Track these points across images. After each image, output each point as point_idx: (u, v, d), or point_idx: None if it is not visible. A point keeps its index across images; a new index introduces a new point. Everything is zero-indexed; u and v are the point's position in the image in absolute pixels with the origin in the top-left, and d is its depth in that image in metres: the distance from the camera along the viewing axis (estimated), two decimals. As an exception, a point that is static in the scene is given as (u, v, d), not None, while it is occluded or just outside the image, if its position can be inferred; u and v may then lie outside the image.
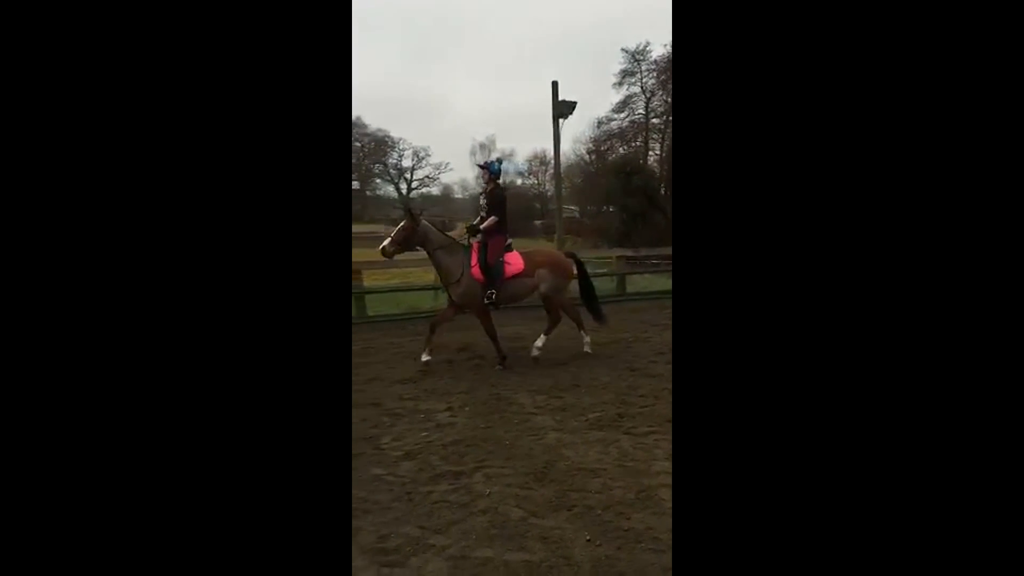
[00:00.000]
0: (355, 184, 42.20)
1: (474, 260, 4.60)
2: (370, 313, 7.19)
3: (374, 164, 43.69)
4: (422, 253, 4.72)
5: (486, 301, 4.60)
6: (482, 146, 40.74)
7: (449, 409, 3.65)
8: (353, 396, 3.97)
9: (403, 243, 4.53)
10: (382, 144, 43.25)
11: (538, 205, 37.82)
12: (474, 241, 4.73)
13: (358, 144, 43.71)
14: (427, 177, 43.65)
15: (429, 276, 8.48)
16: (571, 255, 5.25)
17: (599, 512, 2.27)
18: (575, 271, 5.10)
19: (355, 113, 42.90)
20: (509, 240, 4.88)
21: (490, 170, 4.80)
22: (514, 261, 4.69)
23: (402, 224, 4.54)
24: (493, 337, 4.75)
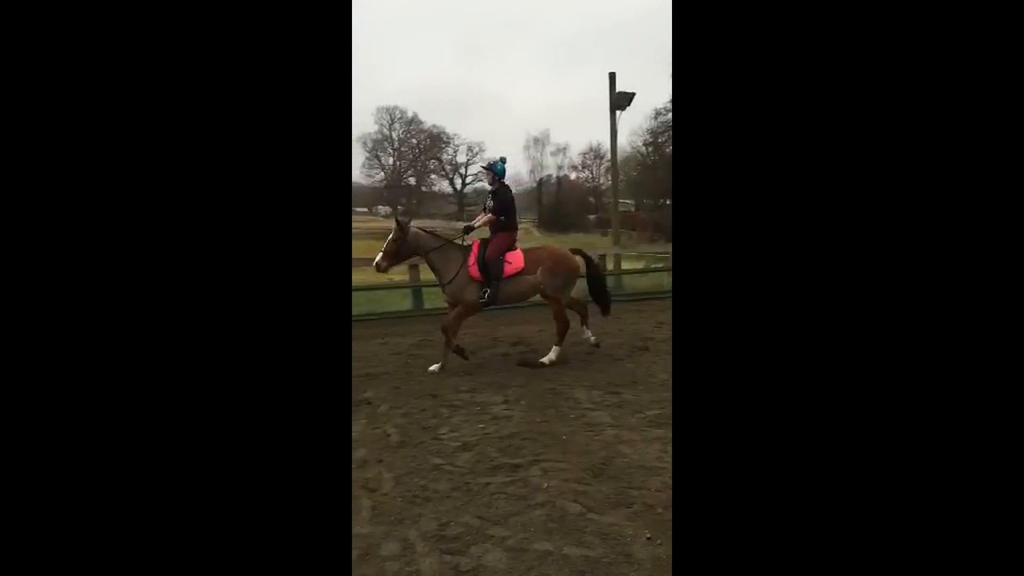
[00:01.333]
0: (411, 180, 43.12)
1: (473, 258, 4.50)
2: (427, 306, 7.33)
3: (429, 160, 44.45)
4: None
5: (481, 299, 4.46)
6: (536, 140, 40.67)
7: (505, 402, 3.67)
8: (411, 387, 4.07)
9: (395, 255, 4.47)
10: (437, 140, 43.91)
11: (592, 199, 37.41)
12: (474, 240, 4.64)
13: (414, 141, 44.57)
14: (481, 172, 43.92)
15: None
16: (579, 252, 5.03)
17: (660, 511, 2.23)
18: (580, 269, 4.86)
19: (411, 111, 43.76)
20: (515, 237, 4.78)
21: (494, 171, 4.73)
22: (514, 259, 4.56)
23: (391, 236, 4.46)
24: (450, 331, 4.51)
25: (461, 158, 43.62)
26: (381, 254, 4.44)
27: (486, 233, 4.70)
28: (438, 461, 2.79)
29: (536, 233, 33.23)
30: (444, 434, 3.15)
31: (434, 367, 4.47)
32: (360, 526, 2.19)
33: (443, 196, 45.85)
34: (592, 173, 39.73)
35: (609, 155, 10.87)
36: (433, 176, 45.58)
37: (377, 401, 3.76)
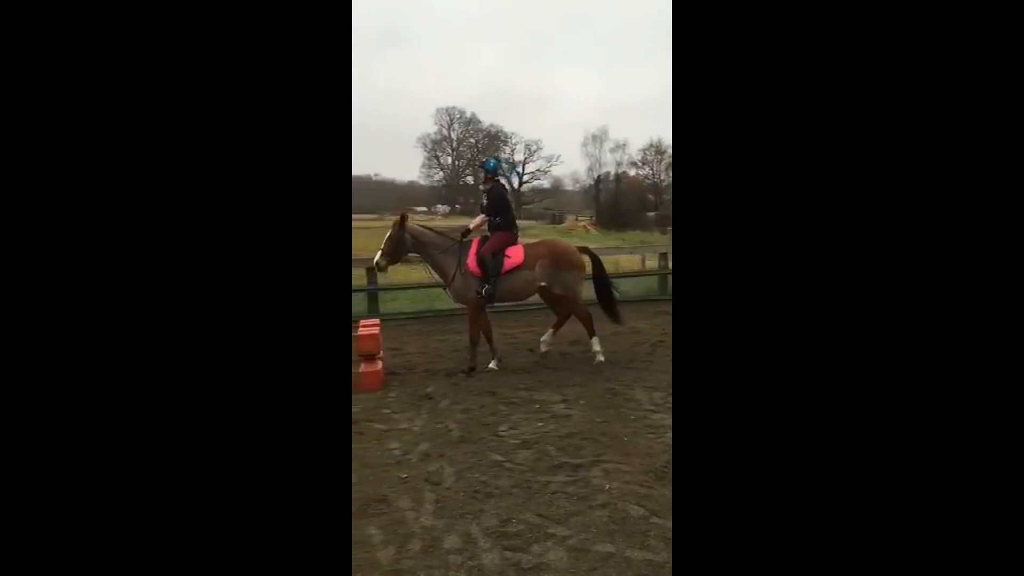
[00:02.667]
0: (469, 179, 43.63)
1: (472, 255, 4.43)
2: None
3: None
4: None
5: (480, 295, 4.38)
6: (594, 137, 40.22)
7: (564, 401, 3.66)
8: (471, 383, 4.12)
9: (393, 252, 4.40)
10: (495, 139, 44.25)
11: (652, 196, 36.58)
12: (475, 238, 4.56)
13: (472, 140, 45.10)
14: (538, 170, 43.96)
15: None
16: (585, 249, 4.87)
17: (726, 518, 2.16)
18: (585, 266, 4.68)
19: (469, 110, 44.32)
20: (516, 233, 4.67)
21: (486, 168, 4.67)
22: (514, 254, 4.46)
23: (388, 234, 4.43)
24: (476, 342, 4.46)
25: (518, 156, 43.75)
26: (380, 252, 4.39)
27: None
28: (498, 458, 2.81)
29: (593, 231, 32.88)
30: (504, 431, 3.18)
31: (492, 364, 4.50)
32: (424, 518, 2.25)
33: (500, 195, 45.97)
34: (652, 170, 38.89)
35: (670, 151, 10.57)
36: (491, 175, 45.84)
37: (438, 397, 3.84)
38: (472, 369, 4.42)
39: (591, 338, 4.59)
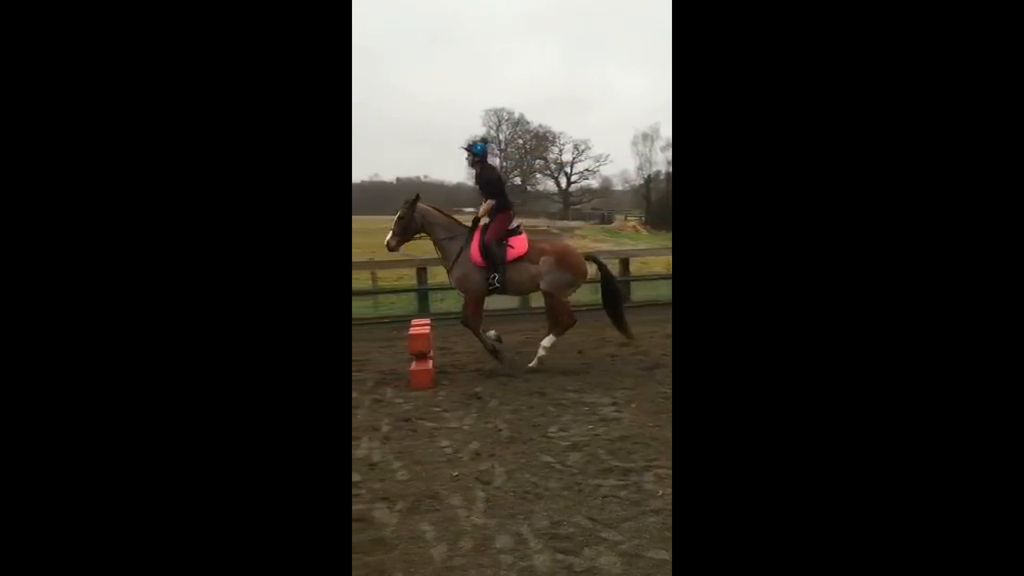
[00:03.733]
0: (516, 180, 43.77)
1: (475, 243, 4.37)
2: (533, 304, 7.40)
3: (535, 160, 44.87)
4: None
5: (489, 288, 4.33)
6: (645, 136, 39.56)
7: (615, 404, 3.61)
8: (519, 384, 4.13)
9: (403, 232, 4.44)
10: (543, 140, 44.23)
11: (703, 195, 35.59)
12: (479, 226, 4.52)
13: (520, 142, 45.21)
14: (587, 170, 43.67)
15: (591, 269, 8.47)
16: (592, 257, 4.71)
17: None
18: (586, 275, 4.57)
19: (516, 111, 44.47)
20: (519, 223, 4.59)
21: (472, 151, 4.53)
22: (517, 244, 4.39)
23: (397, 214, 4.49)
24: (473, 327, 4.43)
25: (567, 157, 43.58)
26: (390, 233, 4.45)
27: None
28: (548, 459, 2.81)
29: (643, 232, 32.31)
30: (553, 433, 3.17)
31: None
32: (475, 517, 2.27)
33: (548, 195, 46.02)
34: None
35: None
36: (538, 175, 45.98)
37: (486, 396, 3.86)
38: (496, 351, 4.47)
39: (549, 335, 4.42)
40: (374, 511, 2.34)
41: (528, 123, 44.49)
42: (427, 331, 4.27)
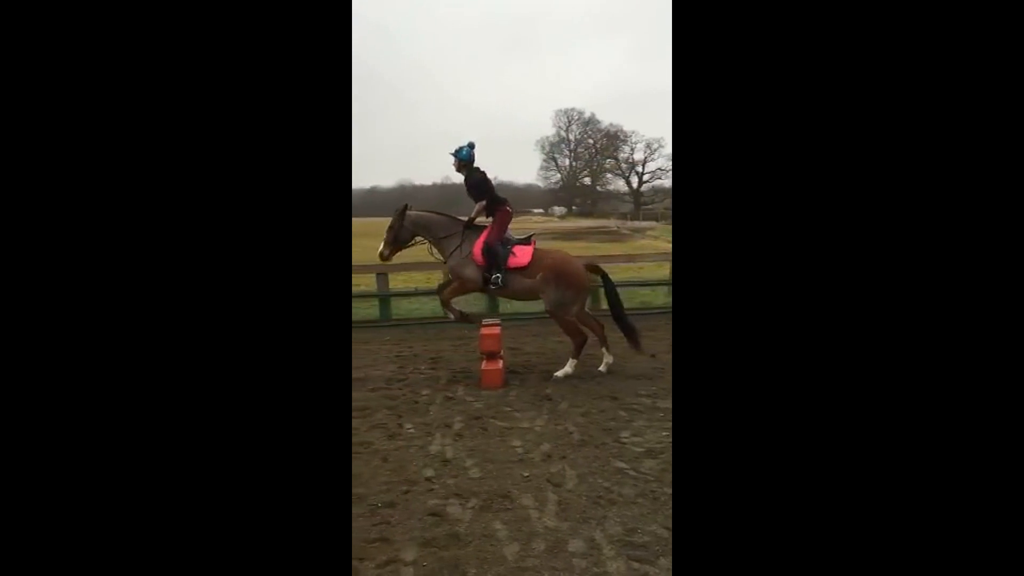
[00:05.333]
0: (586, 180, 43.39)
1: (479, 243, 4.38)
2: (603, 306, 7.29)
3: (605, 160, 44.27)
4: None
5: (492, 286, 4.36)
6: (720, 133, 38.07)
7: (690, 411, 3.48)
8: (590, 387, 4.08)
9: (394, 241, 4.49)
10: (614, 139, 43.56)
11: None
12: (484, 227, 4.50)
13: (590, 141, 44.79)
14: (659, 169, 42.57)
15: (663, 271, 8.26)
16: (594, 267, 4.57)
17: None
18: (587, 286, 4.46)
19: (587, 111, 44.12)
20: (532, 234, 4.59)
21: (457, 157, 4.50)
22: (521, 255, 4.36)
23: (389, 223, 4.53)
24: (447, 302, 4.57)
25: (638, 155, 42.69)
26: (383, 243, 4.49)
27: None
28: (621, 465, 2.75)
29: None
30: (626, 438, 3.10)
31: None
32: (547, 519, 2.26)
33: (618, 195, 45.29)
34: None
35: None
36: (608, 175, 45.32)
37: (557, 398, 3.84)
38: (464, 315, 4.61)
39: (571, 359, 4.38)
40: (448, 507, 2.38)
41: (599, 122, 44.03)
42: (498, 331, 4.31)
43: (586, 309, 4.64)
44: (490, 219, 4.52)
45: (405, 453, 3.00)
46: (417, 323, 6.69)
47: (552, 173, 47.73)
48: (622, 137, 43.12)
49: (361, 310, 7.30)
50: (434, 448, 3.05)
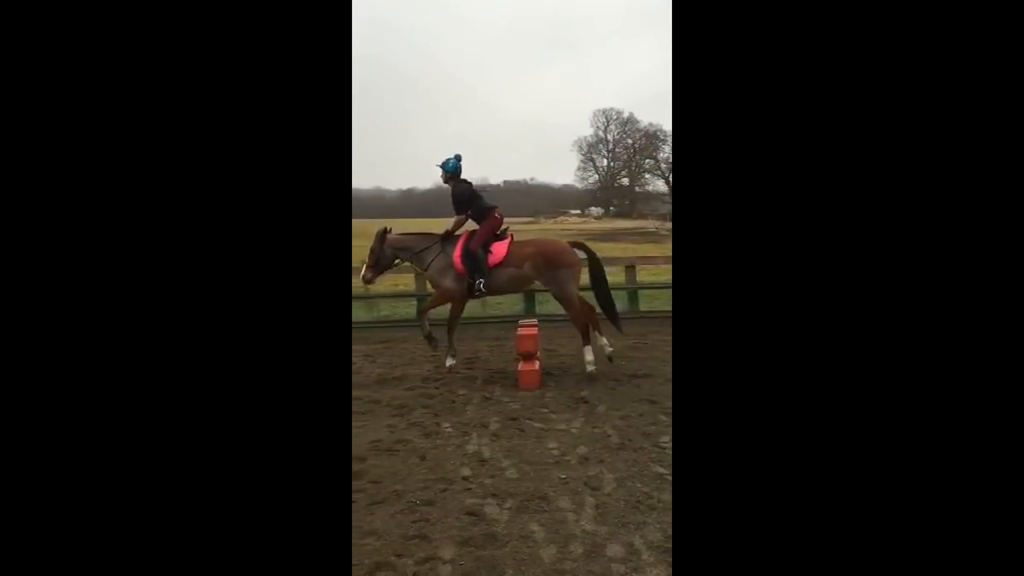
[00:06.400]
0: (624, 181, 42.91)
1: (458, 251, 4.45)
2: (643, 308, 7.20)
3: (644, 159, 43.68)
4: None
5: (476, 293, 4.42)
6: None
7: (732, 417, 3.39)
8: (628, 389, 4.03)
9: (376, 265, 4.60)
10: (653, 139, 42.94)
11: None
12: (463, 233, 4.57)
13: (629, 141, 44.29)
14: (699, 170, 41.70)
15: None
16: (579, 245, 4.59)
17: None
18: (578, 263, 4.47)
19: (626, 111, 43.65)
20: (506, 227, 4.56)
21: (444, 169, 4.57)
22: (497, 250, 4.44)
23: (370, 247, 4.62)
24: (426, 312, 4.67)
25: (677, 156, 41.96)
26: (365, 267, 4.61)
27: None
28: (661, 470, 2.70)
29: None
30: (665, 443, 3.04)
31: (449, 361, 4.62)
32: (585, 522, 2.23)
33: (657, 196, 44.62)
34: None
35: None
36: (647, 176, 44.71)
37: (594, 401, 3.80)
38: (430, 336, 4.61)
39: (584, 346, 4.37)
40: (485, 506, 2.39)
41: (637, 121, 43.50)
42: (535, 332, 4.30)
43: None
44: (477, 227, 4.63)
45: (442, 452, 3.02)
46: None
47: (590, 173, 47.44)
48: (661, 137, 42.48)
49: (400, 309, 7.41)
50: (471, 447, 3.06)
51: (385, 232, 4.70)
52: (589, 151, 46.78)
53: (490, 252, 4.46)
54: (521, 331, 4.32)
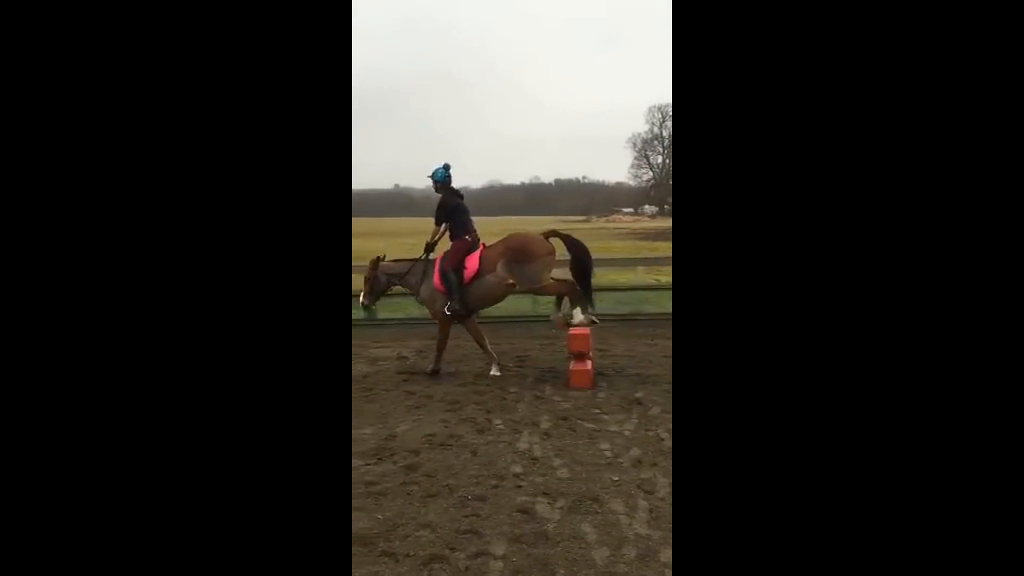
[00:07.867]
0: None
1: (436, 271, 4.53)
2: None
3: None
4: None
5: (447, 312, 4.41)
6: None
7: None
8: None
9: (373, 291, 4.77)
10: (710, 135, 41.73)
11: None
12: (439, 254, 4.62)
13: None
14: (758, 166, 40.22)
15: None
16: (554, 233, 4.59)
17: None
18: (550, 251, 4.47)
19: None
20: (478, 240, 4.56)
21: (434, 179, 4.64)
22: (470, 263, 4.43)
23: (365, 276, 4.77)
24: (442, 348, 4.65)
25: (736, 152, 40.62)
26: (363, 293, 4.77)
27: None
28: (717, 476, 2.62)
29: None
30: (722, 448, 2.95)
31: (494, 370, 4.53)
32: (638, 526, 2.20)
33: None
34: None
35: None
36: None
37: (648, 403, 3.74)
38: (436, 372, 4.59)
39: (566, 302, 4.42)
40: (536, 505, 2.39)
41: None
42: (587, 331, 4.26)
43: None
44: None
45: (494, 448, 3.05)
46: (504, 320, 6.78)
47: (644, 171, 46.55)
48: (719, 133, 41.14)
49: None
50: (522, 445, 3.07)
51: (378, 260, 4.90)
52: (643, 148, 45.94)
53: (464, 267, 4.49)
54: (573, 330, 4.30)
